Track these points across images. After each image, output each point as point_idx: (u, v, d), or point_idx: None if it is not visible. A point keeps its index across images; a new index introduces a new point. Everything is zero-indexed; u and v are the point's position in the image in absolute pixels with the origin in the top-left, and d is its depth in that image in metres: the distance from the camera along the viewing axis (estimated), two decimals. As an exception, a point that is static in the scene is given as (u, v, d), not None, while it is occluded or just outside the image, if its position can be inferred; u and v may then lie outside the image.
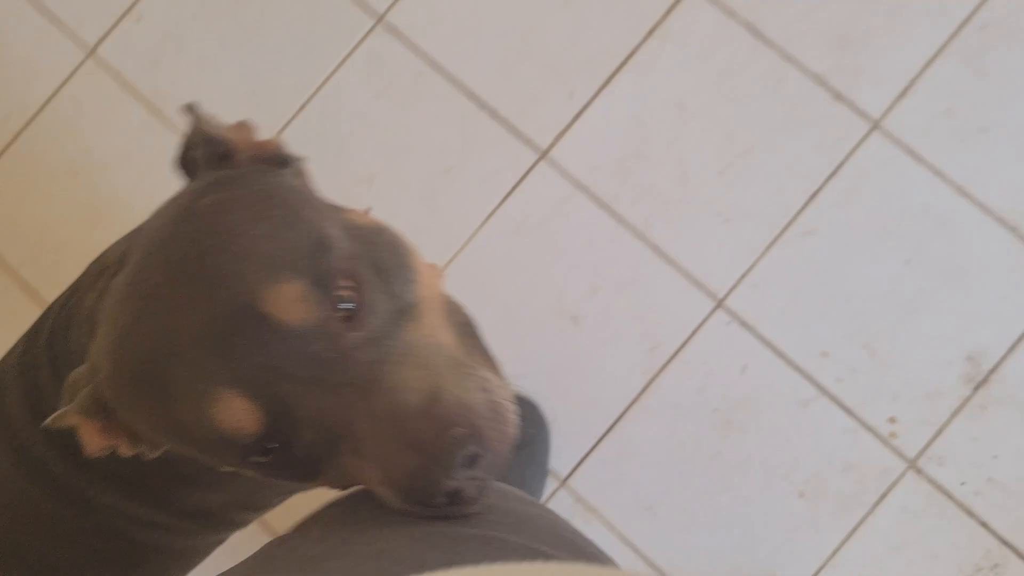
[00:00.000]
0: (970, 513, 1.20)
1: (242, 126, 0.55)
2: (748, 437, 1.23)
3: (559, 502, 1.25)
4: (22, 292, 1.35)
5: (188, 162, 0.54)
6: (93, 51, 1.38)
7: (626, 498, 1.24)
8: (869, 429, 1.21)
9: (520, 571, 0.38)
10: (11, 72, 1.39)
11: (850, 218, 1.24)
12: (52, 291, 1.31)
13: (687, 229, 1.26)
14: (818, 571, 1.21)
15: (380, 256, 0.49)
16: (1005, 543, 1.19)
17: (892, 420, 1.21)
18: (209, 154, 0.53)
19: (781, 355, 1.23)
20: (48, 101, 1.38)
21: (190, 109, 0.54)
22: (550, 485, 1.24)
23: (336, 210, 0.53)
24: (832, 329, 1.23)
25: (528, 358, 1.26)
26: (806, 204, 1.24)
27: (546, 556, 0.45)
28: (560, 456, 1.25)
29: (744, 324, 1.24)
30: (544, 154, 1.29)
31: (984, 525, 1.20)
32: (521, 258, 1.28)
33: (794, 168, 1.25)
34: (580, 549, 0.51)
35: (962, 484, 1.20)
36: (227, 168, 0.53)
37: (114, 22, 1.39)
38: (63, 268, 1.34)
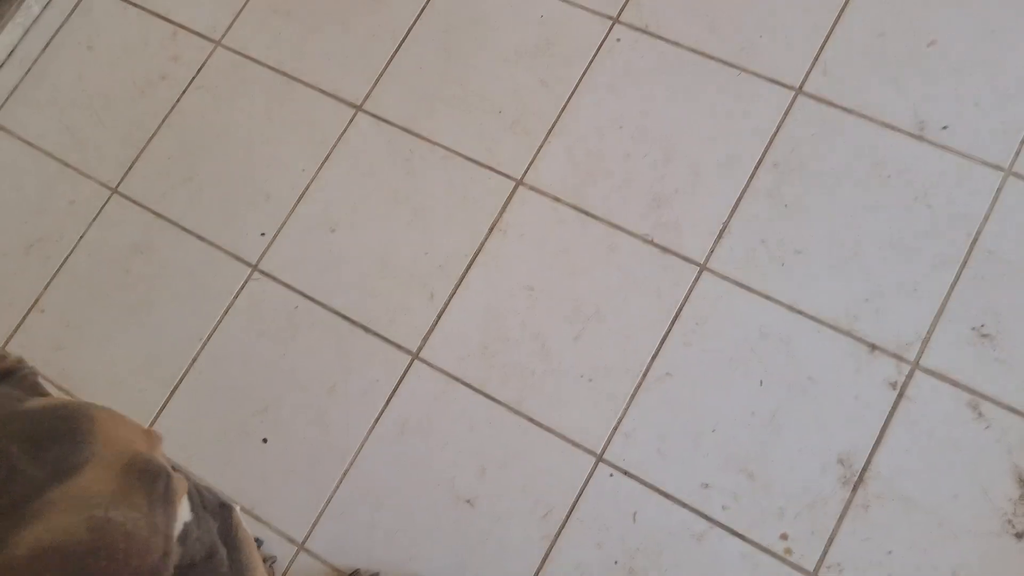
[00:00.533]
0: (883, 614, 1.21)
1: None
2: (655, 583, 1.26)
3: None
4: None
5: None
6: (2, 348, 1.52)
7: (551, 670, 1.25)
8: (765, 550, 1.24)
9: None
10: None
11: (699, 354, 1.33)
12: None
13: (556, 396, 1.34)
14: None
15: (39, 430, 0.59)
16: (924, 637, 1.19)
17: (784, 536, 1.25)
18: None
19: (666, 495, 1.28)
20: (-34, 401, 1.49)
21: None
22: (475, 672, 1.25)
23: (20, 398, 0.64)
24: (707, 461, 1.29)
25: (433, 547, 1.31)
26: (657, 350, 1.34)
27: None
28: (480, 641, 1.27)
29: (626, 473, 1.30)
30: (416, 355, 1.40)
31: (900, 623, 1.20)
32: (410, 456, 1.35)
33: (640, 320, 1.35)
34: None
35: (867, 586, 1.22)
36: None
37: (21, 318, 1.53)
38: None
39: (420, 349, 1.40)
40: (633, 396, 1.33)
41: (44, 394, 0.67)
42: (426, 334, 1.41)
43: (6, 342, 1.52)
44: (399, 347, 1.41)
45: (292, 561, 1.33)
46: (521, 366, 1.37)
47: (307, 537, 1.34)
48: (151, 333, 1.49)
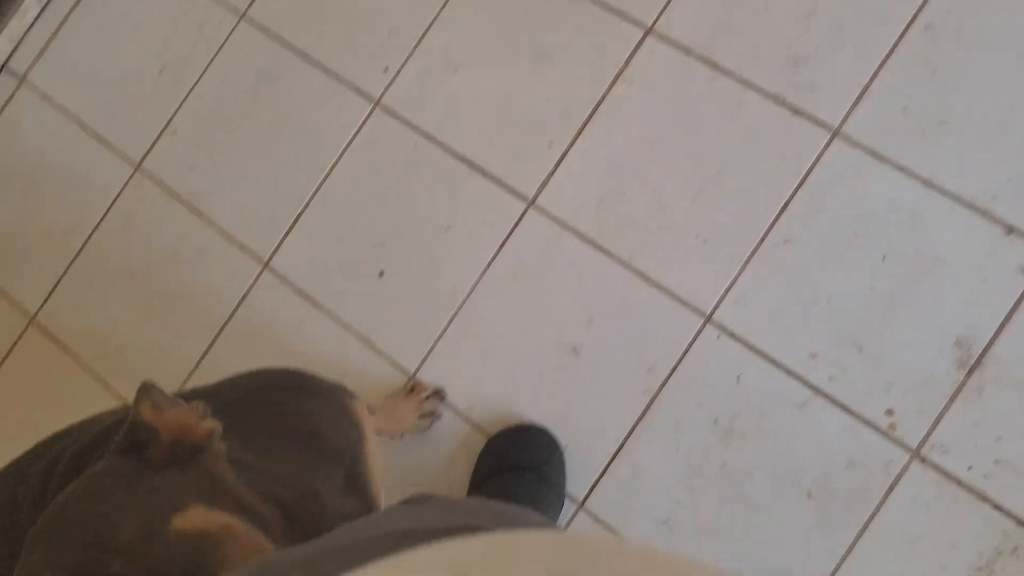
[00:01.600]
0: (983, 497, 1.20)
1: (181, 412, 0.65)
2: (751, 444, 1.27)
3: (579, 524, 1.31)
4: (95, 382, 1.53)
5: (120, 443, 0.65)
6: (139, 165, 1.58)
7: (642, 514, 1.30)
8: (868, 424, 1.24)
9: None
10: (70, 192, 1.60)
11: (822, 223, 1.29)
12: (120, 381, 1.49)
13: (669, 253, 1.33)
14: (835, 571, 1.23)
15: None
16: (1022, 524, 1.18)
17: (889, 412, 1.24)
18: (130, 441, 0.63)
19: (772, 361, 1.28)
20: (104, 215, 1.58)
21: (144, 390, 0.65)
22: (569, 509, 1.31)
23: (165, 513, 0.59)
24: (818, 331, 1.27)
25: (536, 389, 1.35)
26: (778, 216, 1.30)
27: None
28: (576, 481, 1.32)
29: (733, 336, 1.30)
30: (531, 202, 1.40)
31: (998, 508, 1.20)
32: (520, 301, 1.38)
33: (763, 183, 1.31)
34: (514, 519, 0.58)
35: (969, 469, 1.21)
36: (145, 453, 0.63)
37: (154, 138, 1.59)
38: (127, 359, 1.51)
39: (536, 197, 1.40)
40: (748, 260, 1.31)
41: (221, 492, 0.62)
42: (543, 182, 1.40)
43: (141, 160, 1.58)
44: (515, 193, 1.41)
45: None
46: (636, 221, 1.35)
47: (417, 369, 1.40)
48: (277, 161, 1.52)
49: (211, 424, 0.66)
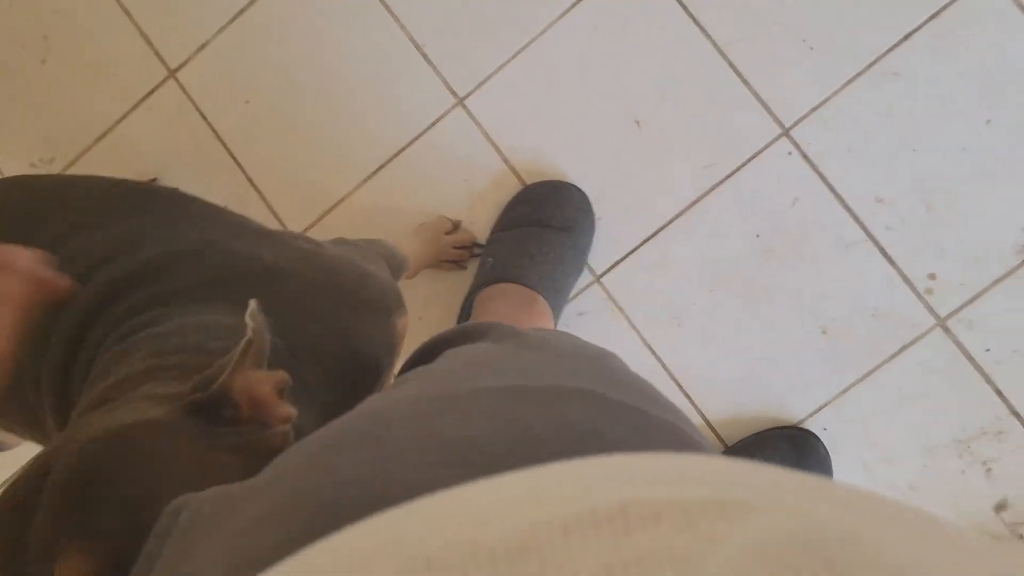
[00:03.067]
0: (988, 379, 1.21)
1: (267, 386, 0.56)
2: (785, 268, 1.25)
3: (590, 296, 1.29)
4: (225, 162, 1.40)
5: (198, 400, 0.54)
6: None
7: (655, 305, 1.28)
8: (907, 281, 1.22)
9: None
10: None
11: (940, 65, 1.20)
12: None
13: (769, 50, 1.23)
14: (823, 406, 1.24)
15: None
16: (1015, 413, 1.20)
17: (932, 277, 1.21)
18: (206, 403, 0.54)
19: (836, 194, 1.23)
20: None
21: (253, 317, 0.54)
22: (585, 278, 1.28)
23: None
24: (894, 176, 1.21)
25: (586, 151, 1.28)
26: (898, 44, 1.21)
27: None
28: (599, 253, 1.28)
29: (805, 157, 1.23)
30: (641, -49, 1.26)
31: (999, 393, 1.21)
32: (597, 53, 1.27)
33: (890, 3, 1.20)
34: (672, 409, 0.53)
35: (987, 351, 1.21)
36: (214, 419, 0.54)
37: None
38: (265, 151, 1.37)
39: (647, -54, 1.26)
40: (849, 82, 1.22)
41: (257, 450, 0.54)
42: (660, -68, 1.26)
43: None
44: (627, -64, 1.27)
45: (445, 115, 1.31)
46: (748, 4, 1.24)
47: (469, 94, 1.31)
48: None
49: (289, 411, 0.57)
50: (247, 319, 0.53)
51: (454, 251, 1.29)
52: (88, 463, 0.49)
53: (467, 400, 0.44)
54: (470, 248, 1.30)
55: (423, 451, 0.38)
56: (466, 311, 1.23)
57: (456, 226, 1.31)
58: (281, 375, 0.57)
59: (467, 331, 0.69)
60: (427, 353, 0.71)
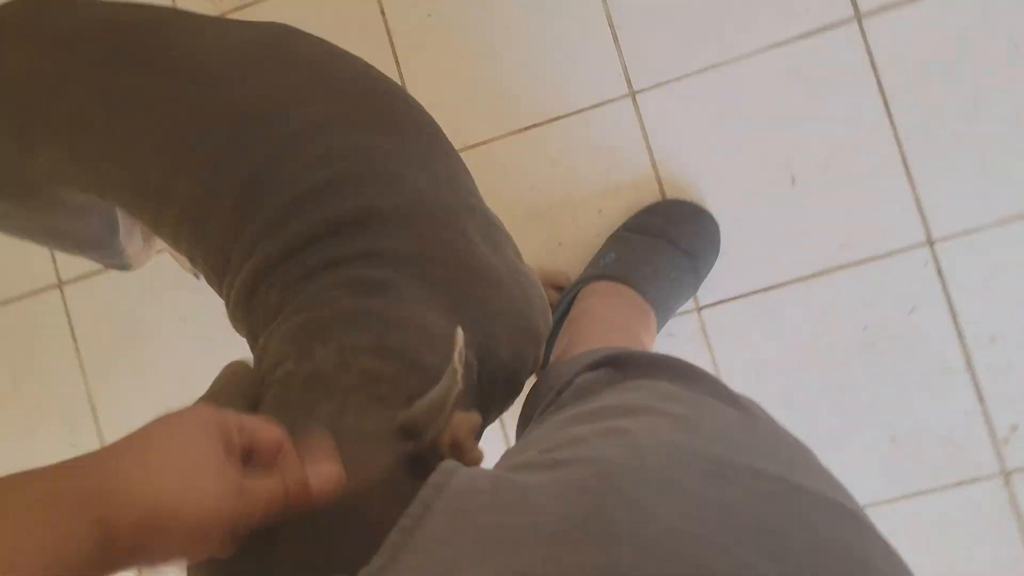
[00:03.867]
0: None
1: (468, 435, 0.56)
2: (878, 367, 1.26)
3: (685, 322, 1.29)
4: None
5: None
6: None
7: (742, 354, 1.29)
8: (988, 423, 1.23)
9: None
10: None
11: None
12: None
13: (945, 156, 1.23)
14: (863, 507, 1.26)
15: None
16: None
17: (1014, 428, 1.23)
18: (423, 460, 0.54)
19: (955, 318, 1.24)
20: None
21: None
22: (687, 304, 1.29)
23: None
24: (1016, 324, 1.22)
25: (734, 186, 1.28)
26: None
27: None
28: (710, 285, 1.29)
29: (940, 272, 1.24)
30: (858, 16, 1.26)
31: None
32: (781, 97, 1.27)
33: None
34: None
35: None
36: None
37: None
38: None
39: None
40: (1010, 220, 1.23)
41: None
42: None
43: None
44: (854, -1, 1.26)
45: (613, 101, 1.31)
46: (936, 104, 1.24)
47: (644, 90, 1.30)
48: None
49: (481, 455, 0.58)
50: (455, 360, 0.53)
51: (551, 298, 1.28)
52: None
53: (746, 478, 0.45)
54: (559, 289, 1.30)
55: (727, 530, 0.39)
56: (568, 297, 1.23)
57: (565, 285, 1.30)
58: (476, 419, 0.57)
59: (670, 365, 0.69)
60: (613, 360, 0.72)
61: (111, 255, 1.08)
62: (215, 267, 0.77)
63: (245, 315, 0.74)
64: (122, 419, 1.47)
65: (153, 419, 0.47)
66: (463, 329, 0.55)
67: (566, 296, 1.23)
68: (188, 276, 1.41)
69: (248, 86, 0.76)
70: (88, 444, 1.49)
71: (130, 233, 1.08)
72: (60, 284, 1.49)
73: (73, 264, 1.48)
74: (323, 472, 0.50)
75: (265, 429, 0.50)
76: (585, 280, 1.22)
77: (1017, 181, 1.22)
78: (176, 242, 0.79)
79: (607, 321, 1.13)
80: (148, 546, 0.41)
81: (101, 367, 1.48)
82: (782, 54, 1.27)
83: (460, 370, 0.54)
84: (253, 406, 0.62)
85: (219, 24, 0.83)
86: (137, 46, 0.78)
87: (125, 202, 0.79)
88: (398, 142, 0.76)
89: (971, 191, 1.23)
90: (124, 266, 1.13)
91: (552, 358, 1.15)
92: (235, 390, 0.61)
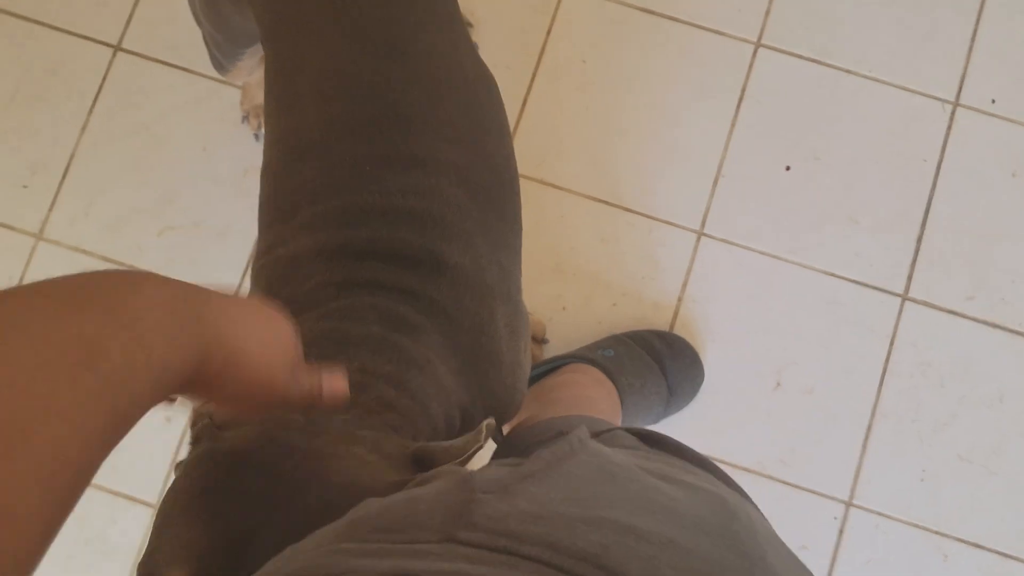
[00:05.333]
0: None
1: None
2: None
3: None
4: None
5: None
6: None
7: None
8: None
9: None
10: None
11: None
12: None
13: (901, 448, 1.35)
14: None
15: None
16: None
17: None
18: None
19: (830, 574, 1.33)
20: None
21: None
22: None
23: None
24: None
25: (734, 360, 1.37)
26: None
27: None
28: (662, 425, 1.35)
29: (841, 530, 1.34)
30: (905, 296, 1.39)
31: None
32: (806, 314, 1.38)
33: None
34: None
35: None
36: None
37: None
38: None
39: (908, 293, 1.39)
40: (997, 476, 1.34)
41: None
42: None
43: None
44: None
45: (680, 226, 1.39)
46: (931, 386, 1.37)
47: (711, 236, 1.40)
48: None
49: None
50: (484, 426, 0.59)
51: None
52: None
53: None
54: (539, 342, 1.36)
55: None
56: (557, 363, 1.28)
57: (538, 336, 1.36)
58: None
59: (697, 457, 0.74)
60: (643, 435, 0.76)
61: (229, 51, 1.09)
62: (277, 204, 0.80)
63: (274, 282, 0.77)
64: (82, 196, 1.42)
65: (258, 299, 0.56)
66: (461, 391, 0.62)
67: (556, 361, 1.28)
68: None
69: (427, 96, 0.80)
70: (37, 192, 1.42)
71: (251, 57, 1.11)
72: (118, 47, 1.45)
73: (141, 37, 1.45)
74: (335, 383, 0.58)
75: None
76: (579, 358, 1.28)
77: (942, 500, 1.35)
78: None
79: (589, 401, 1.19)
80: (225, 378, 0.47)
81: (99, 138, 1.43)
82: (833, 284, 1.39)
83: (485, 435, 0.59)
84: None
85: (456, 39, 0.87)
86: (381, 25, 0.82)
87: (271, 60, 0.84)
88: (490, 218, 0.81)
89: (903, 486, 1.35)
90: (223, 66, 1.14)
91: (524, 404, 1.20)
92: None
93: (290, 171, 0.79)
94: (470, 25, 1.42)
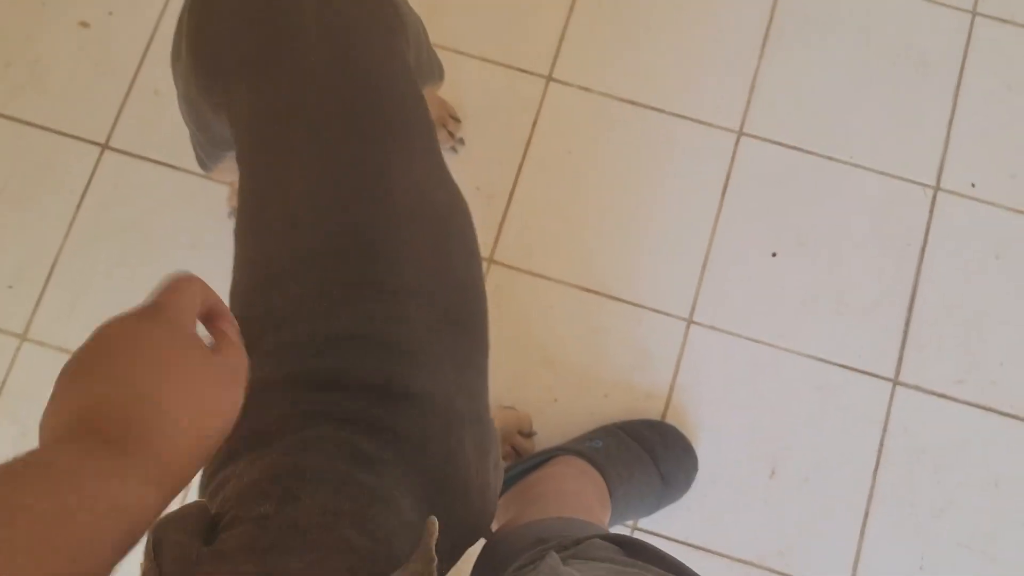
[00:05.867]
0: None
1: None
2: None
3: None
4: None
5: None
6: None
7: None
8: None
9: None
10: None
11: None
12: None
13: (898, 535, 1.34)
14: None
15: None
16: None
17: None
18: None
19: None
20: None
21: None
22: (626, 524, 1.33)
23: None
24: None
25: (721, 450, 1.36)
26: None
27: None
28: (657, 517, 1.33)
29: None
30: (896, 381, 1.39)
31: None
32: (797, 402, 1.38)
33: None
34: None
35: None
36: None
37: None
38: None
39: (901, 375, 1.39)
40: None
41: None
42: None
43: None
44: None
45: (669, 315, 1.39)
46: (915, 506, 1.36)
47: (700, 323, 1.40)
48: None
49: None
50: (430, 545, 0.58)
51: (515, 441, 1.33)
52: None
53: None
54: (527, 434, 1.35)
55: None
56: (544, 457, 1.26)
57: (524, 430, 1.35)
58: None
59: (675, 564, 0.73)
60: (619, 540, 0.75)
61: (211, 152, 1.10)
62: (243, 330, 0.79)
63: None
64: (67, 299, 1.41)
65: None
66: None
67: (544, 454, 1.27)
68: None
69: (397, 228, 0.80)
70: (23, 292, 1.41)
71: (233, 159, 1.12)
72: (106, 145, 1.46)
73: (127, 137, 1.46)
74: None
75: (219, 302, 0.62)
76: (566, 450, 1.26)
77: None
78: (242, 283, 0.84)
79: (575, 496, 1.17)
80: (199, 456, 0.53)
81: (86, 235, 1.43)
82: (821, 369, 1.39)
83: (433, 554, 0.57)
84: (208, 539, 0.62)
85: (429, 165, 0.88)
86: (369, 127, 0.83)
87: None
88: (459, 340, 0.81)
89: (901, 574, 1.33)
90: (207, 164, 1.16)
91: (509, 501, 1.19)
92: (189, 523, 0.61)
93: (257, 299, 0.79)
94: (458, 120, 1.43)
